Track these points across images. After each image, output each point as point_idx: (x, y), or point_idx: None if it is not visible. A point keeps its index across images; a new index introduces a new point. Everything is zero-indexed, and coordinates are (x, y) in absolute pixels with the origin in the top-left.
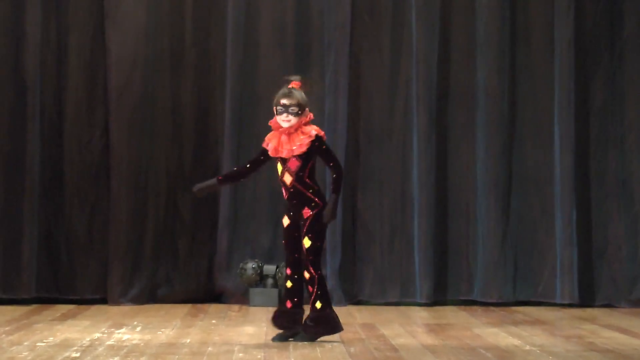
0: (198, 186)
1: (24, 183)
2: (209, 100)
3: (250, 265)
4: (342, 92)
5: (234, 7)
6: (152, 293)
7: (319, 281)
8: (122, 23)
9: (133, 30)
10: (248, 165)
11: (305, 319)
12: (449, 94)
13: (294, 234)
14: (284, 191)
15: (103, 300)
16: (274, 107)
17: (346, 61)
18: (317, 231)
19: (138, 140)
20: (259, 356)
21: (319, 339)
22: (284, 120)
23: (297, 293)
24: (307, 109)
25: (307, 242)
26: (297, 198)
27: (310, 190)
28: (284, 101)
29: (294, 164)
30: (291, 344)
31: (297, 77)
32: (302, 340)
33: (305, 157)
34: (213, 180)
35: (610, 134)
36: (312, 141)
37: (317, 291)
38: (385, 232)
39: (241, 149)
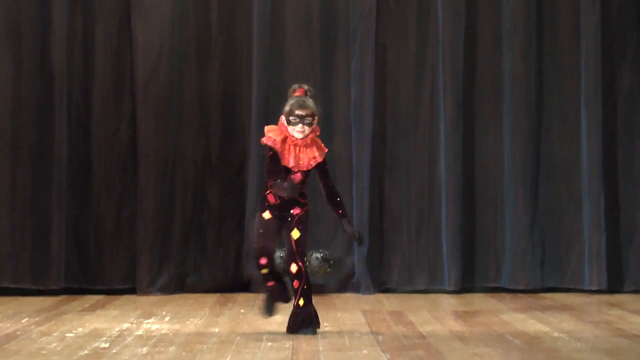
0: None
1: (52, 174)
2: (236, 89)
3: (278, 254)
4: (368, 80)
5: None
6: (181, 282)
7: (305, 275)
8: (148, 13)
9: (159, 20)
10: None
11: (293, 317)
12: (475, 81)
13: (273, 227)
14: (272, 197)
15: (132, 290)
16: (286, 117)
17: (372, 49)
18: (305, 223)
19: (165, 130)
20: (287, 345)
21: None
22: (299, 132)
23: (275, 275)
24: (317, 118)
25: (295, 234)
26: (288, 203)
27: (301, 197)
28: (299, 112)
29: (298, 177)
30: (319, 334)
31: (304, 85)
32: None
33: (308, 172)
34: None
35: (638, 120)
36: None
37: (302, 286)
38: (412, 219)
39: None
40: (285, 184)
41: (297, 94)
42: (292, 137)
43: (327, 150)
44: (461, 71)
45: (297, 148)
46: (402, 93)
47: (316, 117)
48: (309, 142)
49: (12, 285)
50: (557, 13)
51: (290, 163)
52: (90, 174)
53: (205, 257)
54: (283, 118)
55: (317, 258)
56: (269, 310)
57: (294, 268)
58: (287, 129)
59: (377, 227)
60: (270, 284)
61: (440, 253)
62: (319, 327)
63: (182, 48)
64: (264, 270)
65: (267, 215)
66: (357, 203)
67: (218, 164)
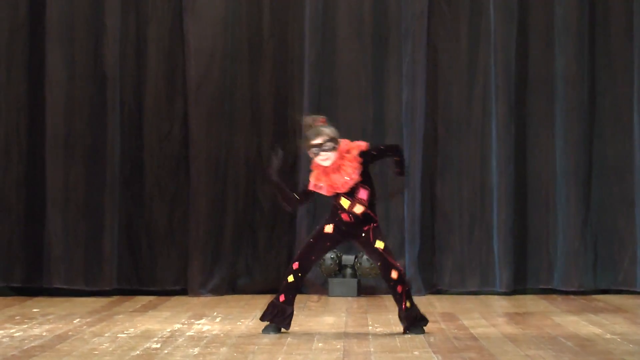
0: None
1: (105, 175)
2: (287, 90)
3: (329, 255)
4: (420, 81)
5: None
6: (232, 284)
7: (405, 279)
8: (201, 14)
9: (211, 22)
10: (299, 197)
11: (402, 319)
12: (527, 82)
13: (327, 241)
14: (347, 217)
15: (183, 291)
16: (308, 151)
17: (424, 50)
18: (381, 233)
19: (217, 131)
20: (339, 346)
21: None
22: (323, 160)
23: (294, 290)
24: (339, 140)
25: (380, 244)
26: (362, 220)
27: (372, 209)
28: (316, 141)
29: (364, 194)
30: (370, 334)
31: (317, 116)
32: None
33: (367, 179)
34: (289, 193)
35: None
36: (361, 161)
37: (405, 289)
38: (464, 221)
39: None
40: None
41: (312, 124)
42: (322, 166)
43: (362, 147)
44: (513, 72)
45: (328, 176)
46: (453, 94)
47: (337, 139)
48: (339, 161)
49: (64, 286)
50: (609, 14)
51: (327, 191)
52: (142, 175)
53: (256, 258)
54: (309, 153)
55: (368, 259)
56: (267, 329)
57: (394, 274)
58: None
59: (429, 228)
60: (282, 298)
61: (492, 254)
62: (426, 324)
63: (234, 50)
64: (291, 278)
65: (329, 228)
66: (409, 204)
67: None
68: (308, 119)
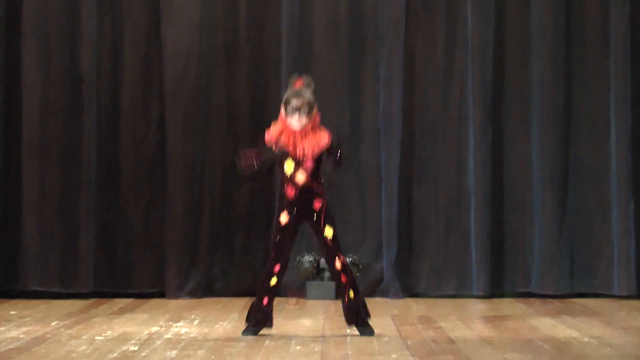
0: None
1: (81, 178)
2: (264, 94)
3: (307, 258)
4: (397, 86)
5: (289, 1)
6: (209, 286)
7: (349, 268)
8: (177, 17)
9: (188, 25)
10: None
11: (345, 310)
12: (503, 87)
13: (290, 232)
14: (290, 190)
15: (161, 294)
16: (285, 106)
17: (401, 55)
18: (332, 217)
19: (193, 135)
20: (317, 349)
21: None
22: (296, 122)
23: (276, 292)
24: (315, 107)
25: (329, 231)
26: (306, 194)
27: (317, 182)
28: (295, 102)
29: (310, 163)
30: (348, 337)
31: (304, 76)
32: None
33: (318, 159)
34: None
35: None
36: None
37: (349, 279)
38: (441, 225)
39: None
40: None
41: (296, 85)
42: (290, 127)
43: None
44: (490, 77)
45: (297, 138)
46: (430, 99)
47: (314, 107)
48: (310, 130)
49: (41, 289)
50: (585, 19)
51: (296, 153)
52: (118, 178)
53: (233, 261)
54: (282, 108)
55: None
56: (253, 332)
57: (338, 264)
58: (285, 119)
59: (406, 232)
60: (266, 301)
61: (469, 258)
62: (370, 317)
63: (211, 53)
64: (274, 281)
65: (284, 218)
66: (386, 208)
67: None
68: (295, 76)
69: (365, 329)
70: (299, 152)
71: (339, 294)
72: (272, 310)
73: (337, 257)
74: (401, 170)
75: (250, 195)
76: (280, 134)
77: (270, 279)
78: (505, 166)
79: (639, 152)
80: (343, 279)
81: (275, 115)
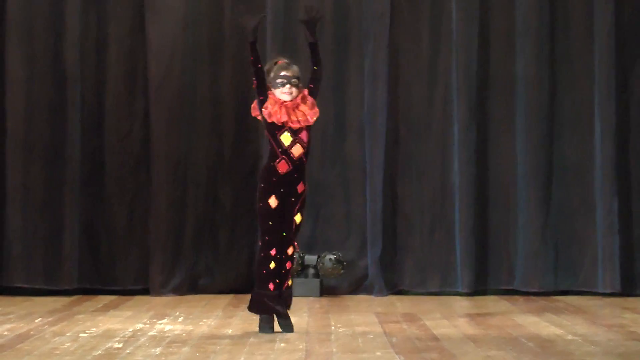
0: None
1: (65, 174)
2: (248, 90)
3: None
4: (382, 82)
5: None
6: (194, 283)
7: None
8: (162, 14)
9: (172, 21)
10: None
11: (283, 300)
12: (488, 83)
13: (281, 213)
14: (284, 164)
15: (145, 291)
16: (273, 82)
17: (385, 50)
18: (304, 205)
19: (178, 131)
20: (301, 346)
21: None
22: (286, 93)
23: (280, 275)
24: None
25: (299, 218)
26: (298, 171)
27: (305, 164)
28: (285, 73)
29: (306, 135)
30: (332, 334)
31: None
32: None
33: (309, 129)
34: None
35: None
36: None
37: (292, 267)
38: (425, 221)
39: None
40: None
41: (280, 61)
42: (280, 100)
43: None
44: (474, 73)
45: (290, 109)
46: (415, 94)
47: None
48: (300, 101)
49: (24, 286)
50: (570, 15)
51: (290, 123)
52: (102, 174)
53: (218, 258)
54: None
55: (330, 259)
56: (271, 328)
57: (290, 251)
58: (274, 94)
59: (390, 229)
60: (272, 287)
61: (453, 255)
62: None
63: (195, 49)
64: (272, 265)
65: (273, 202)
66: (370, 204)
67: (230, 165)
68: (275, 57)
69: (287, 327)
70: (294, 122)
71: (281, 278)
72: (281, 295)
73: (293, 245)
74: (386, 166)
75: (235, 191)
76: (272, 107)
77: (268, 264)
78: (490, 163)
79: (623, 149)
80: (288, 265)
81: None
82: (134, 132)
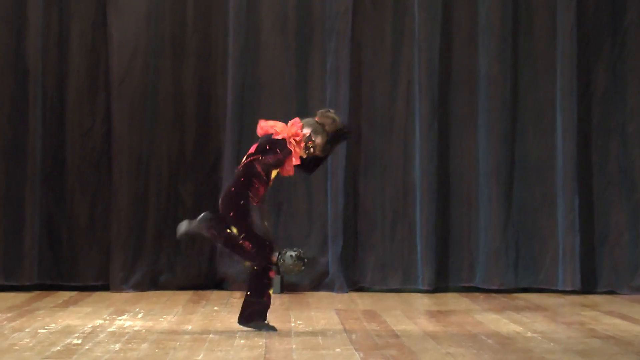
0: None
1: (26, 170)
2: (211, 86)
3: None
4: (344, 78)
5: None
6: (154, 280)
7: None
8: (124, 9)
9: (135, 17)
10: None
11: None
12: (450, 80)
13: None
14: (262, 189)
15: (105, 287)
16: (307, 141)
17: (348, 47)
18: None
19: (139, 127)
20: (261, 343)
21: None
22: (303, 156)
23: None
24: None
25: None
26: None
27: None
28: (321, 154)
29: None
30: (292, 331)
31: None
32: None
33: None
34: None
35: (612, 121)
36: None
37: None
38: (387, 218)
39: (243, 135)
40: None
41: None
42: (295, 150)
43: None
44: (437, 71)
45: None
46: (377, 92)
47: None
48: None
49: None
50: (533, 14)
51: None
52: (64, 170)
53: (179, 255)
54: (304, 131)
55: (291, 256)
56: (270, 325)
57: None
58: (300, 141)
59: (352, 226)
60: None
61: (415, 252)
62: None
63: (158, 45)
64: (272, 274)
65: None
66: (332, 201)
67: (192, 161)
68: (338, 121)
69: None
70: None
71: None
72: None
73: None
74: (347, 164)
75: (196, 188)
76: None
77: (268, 273)
78: (452, 160)
79: (584, 147)
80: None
81: (221, 108)
82: (95, 128)
